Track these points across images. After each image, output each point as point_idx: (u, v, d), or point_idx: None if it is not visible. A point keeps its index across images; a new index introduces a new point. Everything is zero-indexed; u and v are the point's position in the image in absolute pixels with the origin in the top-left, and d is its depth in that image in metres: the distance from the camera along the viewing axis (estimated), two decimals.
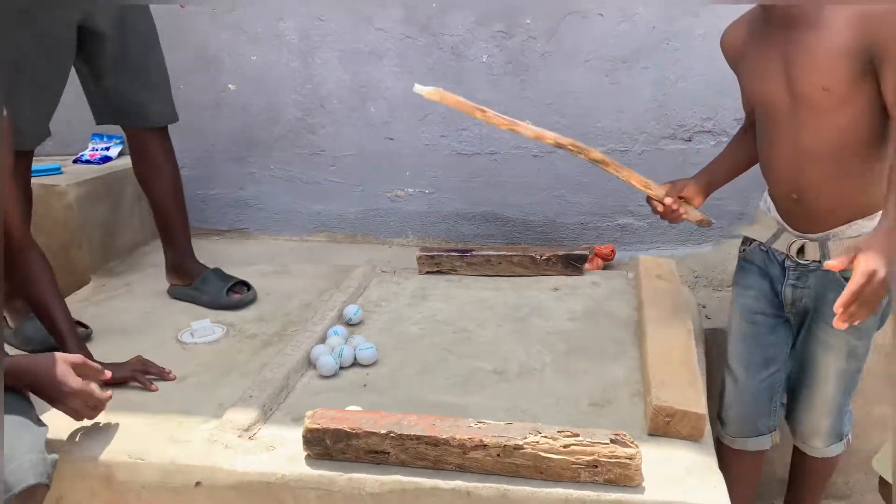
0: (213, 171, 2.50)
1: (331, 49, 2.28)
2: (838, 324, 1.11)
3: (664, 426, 1.27)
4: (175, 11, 2.28)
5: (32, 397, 1.26)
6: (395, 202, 2.40)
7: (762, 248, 1.50)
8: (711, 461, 1.23)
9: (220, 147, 2.46)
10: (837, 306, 1.10)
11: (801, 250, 1.43)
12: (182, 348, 1.70)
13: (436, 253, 2.13)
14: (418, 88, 1.40)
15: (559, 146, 1.54)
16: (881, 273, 1.08)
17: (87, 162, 2.42)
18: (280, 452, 1.28)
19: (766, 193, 1.50)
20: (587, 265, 2.11)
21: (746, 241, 1.56)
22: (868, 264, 1.08)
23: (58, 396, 1.21)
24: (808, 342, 1.49)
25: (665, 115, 2.16)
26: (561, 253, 2.07)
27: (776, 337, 1.52)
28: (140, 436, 1.33)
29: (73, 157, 2.45)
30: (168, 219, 1.97)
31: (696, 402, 1.28)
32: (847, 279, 1.11)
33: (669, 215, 1.55)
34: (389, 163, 2.35)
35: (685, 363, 1.41)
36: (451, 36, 2.20)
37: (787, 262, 1.46)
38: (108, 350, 1.59)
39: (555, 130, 2.19)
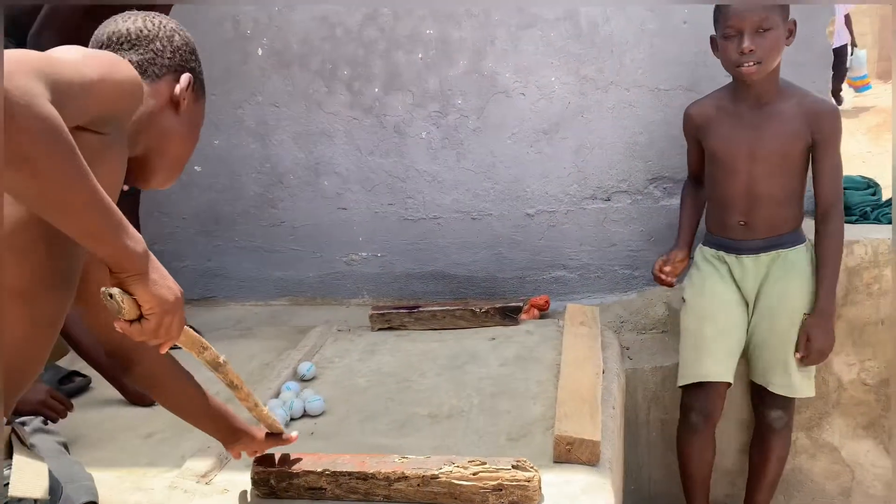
0: (183, 245, 2.71)
1: (286, 131, 2.54)
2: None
3: (566, 453, 1.47)
4: None
5: None
6: (351, 266, 2.62)
7: None
8: (605, 482, 1.42)
9: (189, 222, 2.69)
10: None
11: None
12: (151, 409, 1.87)
13: (386, 311, 2.34)
14: None
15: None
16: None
17: None
18: (232, 494, 1.45)
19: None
20: (524, 315, 2.33)
21: None
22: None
23: None
24: None
25: (585, 179, 2.41)
26: (498, 305, 2.28)
27: None
28: (108, 486, 1.49)
29: None
30: None
31: (592, 431, 1.48)
32: None
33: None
34: (343, 230, 2.58)
35: (588, 399, 1.61)
36: (393, 116, 2.47)
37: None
38: (83, 406, 1.77)
39: (489, 196, 2.48)
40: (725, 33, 1.76)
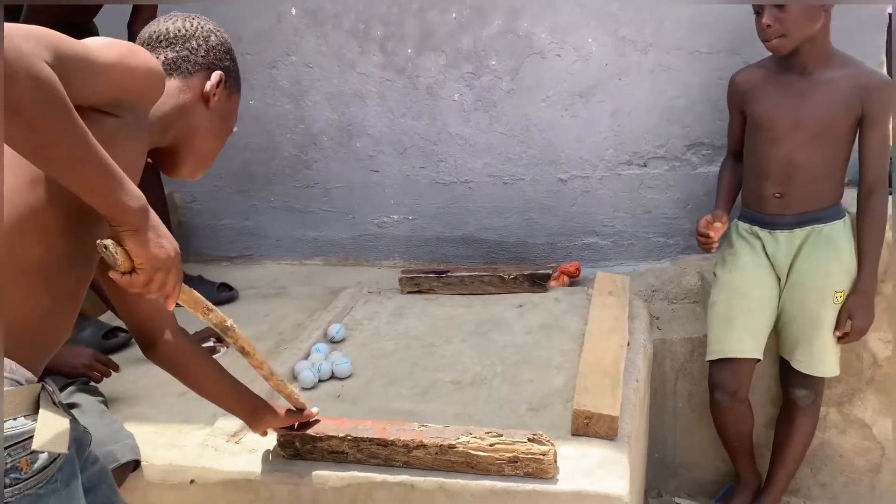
0: (221, 204, 2.76)
1: (319, 92, 2.53)
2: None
3: (584, 427, 1.48)
4: None
5: None
6: (382, 228, 2.64)
7: None
8: (622, 456, 1.43)
9: (227, 182, 2.73)
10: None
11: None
12: None
13: (415, 274, 2.36)
14: None
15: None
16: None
17: None
18: (260, 454, 1.51)
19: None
20: (554, 282, 2.32)
21: None
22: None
23: None
24: None
25: (621, 144, 2.36)
26: (527, 272, 2.28)
27: None
28: (145, 442, 1.57)
29: None
30: None
31: (611, 406, 1.49)
32: None
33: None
34: (375, 192, 2.59)
35: (610, 373, 1.61)
36: (426, 77, 2.44)
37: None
38: (121, 363, 1.85)
39: (521, 160, 2.44)
40: (754, 9, 1.77)
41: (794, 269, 1.88)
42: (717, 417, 1.99)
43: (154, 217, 0.92)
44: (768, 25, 1.72)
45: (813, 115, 1.78)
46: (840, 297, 1.84)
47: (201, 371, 1.31)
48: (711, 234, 1.85)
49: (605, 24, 2.27)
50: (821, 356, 1.87)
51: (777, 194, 1.84)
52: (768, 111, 1.84)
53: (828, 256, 1.83)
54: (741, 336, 1.89)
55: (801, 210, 1.84)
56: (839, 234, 1.84)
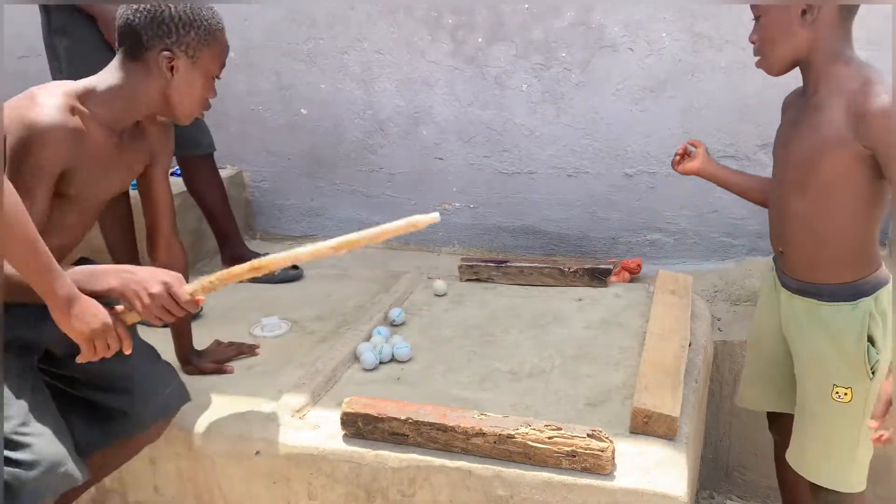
0: (287, 185, 2.84)
1: (388, 79, 2.57)
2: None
3: (643, 425, 1.48)
4: (257, 46, 2.63)
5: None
6: (444, 215, 2.66)
7: None
8: (680, 457, 1.43)
9: (294, 163, 2.80)
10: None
11: None
12: (253, 340, 2.02)
13: (475, 263, 2.38)
14: None
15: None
16: None
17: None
18: (323, 431, 1.56)
19: None
20: (614, 277, 2.31)
21: None
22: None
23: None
24: None
25: None
26: (587, 266, 2.27)
27: None
28: (215, 413, 1.65)
29: (170, 172, 2.84)
30: (221, 221, 2.38)
31: (672, 407, 1.48)
32: None
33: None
34: (439, 180, 2.62)
35: (671, 372, 1.61)
36: (495, 67, 2.44)
37: None
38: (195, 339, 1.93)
39: (587, 153, 2.43)
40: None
41: (798, 346, 1.53)
42: (776, 456, 1.78)
43: (79, 297, 1.17)
44: (752, 42, 1.43)
45: (798, 151, 1.39)
46: (847, 395, 1.44)
47: None
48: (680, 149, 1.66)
49: (680, 18, 2.23)
50: (816, 460, 1.51)
51: (780, 249, 1.51)
52: (775, 142, 1.52)
53: (824, 343, 1.46)
54: (754, 387, 1.71)
55: (803, 277, 1.48)
56: (841, 321, 1.42)
